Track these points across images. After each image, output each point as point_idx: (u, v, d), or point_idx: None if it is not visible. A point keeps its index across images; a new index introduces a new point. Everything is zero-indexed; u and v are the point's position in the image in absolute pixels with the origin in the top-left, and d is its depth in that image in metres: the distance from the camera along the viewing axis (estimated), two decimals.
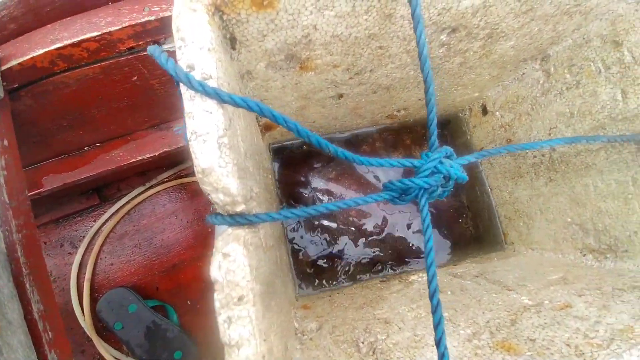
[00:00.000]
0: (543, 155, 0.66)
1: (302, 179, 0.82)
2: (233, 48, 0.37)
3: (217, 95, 0.27)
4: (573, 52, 0.56)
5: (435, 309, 0.31)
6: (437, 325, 0.30)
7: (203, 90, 0.27)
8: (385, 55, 0.49)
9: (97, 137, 0.90)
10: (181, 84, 0.28)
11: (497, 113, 0.76)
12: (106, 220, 1.04)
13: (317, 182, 0.83)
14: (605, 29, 0.50)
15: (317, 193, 0.82)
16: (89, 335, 0.91)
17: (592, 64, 0.54)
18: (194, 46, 0.29)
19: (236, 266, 0.27)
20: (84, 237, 1.02)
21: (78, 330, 0.92)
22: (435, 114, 0.37)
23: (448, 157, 0.38)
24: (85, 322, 0.92)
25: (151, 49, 0.31)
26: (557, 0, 0.45)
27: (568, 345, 0.37)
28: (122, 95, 0.76)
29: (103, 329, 0.92)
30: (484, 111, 0.80)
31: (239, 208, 0.30)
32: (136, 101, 0.79)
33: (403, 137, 0.87)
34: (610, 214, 0.55)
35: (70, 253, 1.02)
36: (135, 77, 0.72)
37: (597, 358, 0.33)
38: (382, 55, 0.48)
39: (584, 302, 0.45)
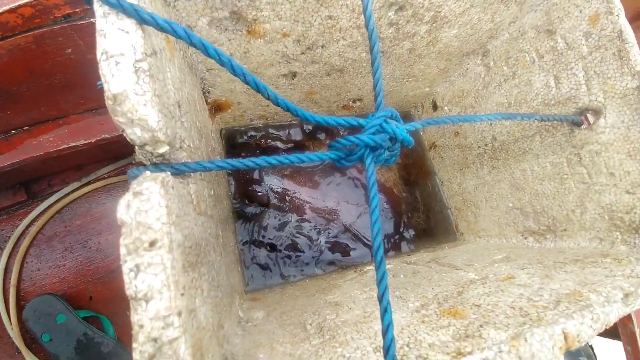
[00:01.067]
0: (486, 145, 0.69)
1: (256, 176, 0.79)
2: None
3: (135, 13, 0.24)
4: (510, 45, 0.61)
5: (379, 265, 0.29)
6: (380, 281, 0.28)
7: (119, 5, 0.23)
8: (336, 29, 0.49)
9: (25, 120, 0.80)
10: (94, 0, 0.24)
11: (446, 108, 0.79)
12: (34, 219, 0.92)
13: (271, 180, 0.80)
14: (539, 20, 0.54)
15: (272, 191, 0.79)
16: (18, 346, 0.79)
17: (526, 54, 0.58)
18: None
19: (149, 206, 0.23)
20: (9, 237, 0.89)
21: (7, 339, 0.81)
22: (381, 75, 0.37)
23: (393, 118, 0.38)
24: (13, 331, 0.79)
25: None
26: None
27: (512, 307, 0.37)
28: (54, 71, 0.69)
29: (32, 341, 0.80)
30: (434, 107, 0.83)
31: (162, 149, 0.27)
32: (70, 79, 0.72)
33: (360, 130, 0.88)
34: (547, 195, 0.59)
35: None
36: (70, 50, 0.65)
37: (544, 317, 0.33)
38: (333, 27, 0.48)
39: (527, 274, 0.46)
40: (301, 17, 0.44)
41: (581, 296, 0.37)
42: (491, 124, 0.67)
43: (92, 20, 0.63)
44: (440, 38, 0.58)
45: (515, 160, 0.64)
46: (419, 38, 0.56)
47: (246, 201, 0.78)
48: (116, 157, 0.97)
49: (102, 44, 0.24)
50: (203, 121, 0.50)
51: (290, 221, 0.78)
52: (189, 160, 0.32)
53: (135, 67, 0.24)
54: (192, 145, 0.34)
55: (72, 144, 0.80)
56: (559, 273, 0.44)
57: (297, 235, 0.77)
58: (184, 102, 0.36)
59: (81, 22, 0.62)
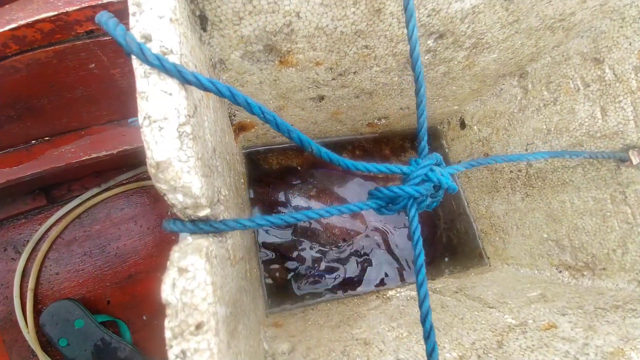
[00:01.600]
0: (520, 171, 0.66)
1: (281, 198, 0.77)
2: (203, 29, 0.33)
3: (178, 73, 0.22)
4: (551, 70, 0.57)
5: (428, 335, 0.27)
6: (431, 354, 0.26)
7: (161, 65, 0.22)
8: (371, 57, 0.46)
9: (47, 130, 0.80)
10: (133, 57, 0.23)
11: (475, 127, 0.76)
12: (53, 224, 0.92)
13: (298, 201, 0.78)
14: (586, 47, 0.51)
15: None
16: (34, 349, 0.80)
17: (570, 81, 0.54)
18: (152, 14, 0.24)
19: (195, 284, 0.21)
20: (28, 241, 0.90)
21: (23, 342, 0.81)
22: (426, 118, 0.34)
23: (437, 164, 0.35)
24: (29, 334, 0.80)
25: (99, 16, 0.25)
26: (542, 13, 0.45)
27: None
28: (76, 84, 0.68)
29: (48, 344, 0.81)
30: (462, 125, 0.80)
31: (203, 212, 0.25)
32: (93, 92, 0.71)
33: (382, 146, 0.85)
34: (588, 231, 0.55)
35: (13, 259, 0.90)
36: (93, 65, 0.65)
37: None
38: (368, 56, 0.46)
39: (569, 322, 0.43)
40: (336, 47, 0.42)
41: (624, 355, 0.34)
42: (526, 149, 0.64)
43: None
44: (477, 62, 0.55)
45: (552, 191, 0.61)
46: (456, 63, 0.53)
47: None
48: (135, 164, 0.97)
49: (145, 108, 0.22)
50: (229, 149, 0.49)
51: (315, 241, 0.76)
52: (226, 213, 0.30)
53: (179, 131, 0.22)
54: (227, 194, 0.32)
55: (93, 155, 0.80)
56: (602, 324, 0.41)
57: (320, 255, 0.76)
58: (218, 144, 0.34)
59: (104, 39, 0.61)
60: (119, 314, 0.92)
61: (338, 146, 0.81)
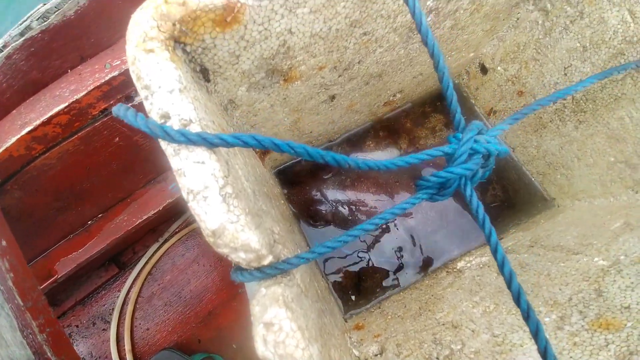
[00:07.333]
0: (564, 99, 0.60)
1: (316, 195, 0.77)
2: (207, 80, 0.33)
3: (204, 141, 0.22)
4: None
5: (528, 315, 0.25)
6: (536, 334, 0.25)
7: (186, 139, 0.22)
8: (372, 41, 0.44)
9: (97, 209, 0.87)
10: (160, 140, 0.23)
11: (499, 68, 0.70)
12: (130, 287, 1.00)
13: (334, 194, 0.77)
14: None
15: (337, 205, 0.77)
16: None
17: None
18: (162, 91, 0.24)
19: (284, 335, 0.22)
20: (113, 309, 0.99)
21: None
22: (453, 89, 0.32)
23: (479, 133, 0.33)
24: None
25: (116, 110, 0.26)
26: None
27: None
28: (109, 160, 0.73)
29: None
30: (483, 70, 0.74)
31: (267, 261, 0.25)
32: (125, 161, 0.75)
33: (402, 121, 0.82)
34: None
35: (104, 329, 0.99)
36: (117, 138, 0.68)
37: None
38: (369, 41, 0.43)
39: None
40: (335, 46, 0.40)
41: None
42: (565, 74, 0.58)
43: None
44: (486, 1, 0.50)
45: (607, 110, 0.54)
46: (462, 12, 0.49)
47: (311, 222, 0.77)
48: (180, 212, 1.02)
49: (185, 184, 0.23)
50: (263, 179, 0.50)
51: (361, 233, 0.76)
52: (285, 249, 0.30)
53: (222, 195, 0.23)
54: (279, 229, 0.32)
55: (144, 217, 0.85)
56: None
57: (372, 246, 0.75)
58: (254, 183, 0.35)
59: None
60: (212, 348, 0.98)
61: (359, 137, 0.80)
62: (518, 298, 0.26)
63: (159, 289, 1.03)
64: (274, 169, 0.77)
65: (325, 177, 0.77)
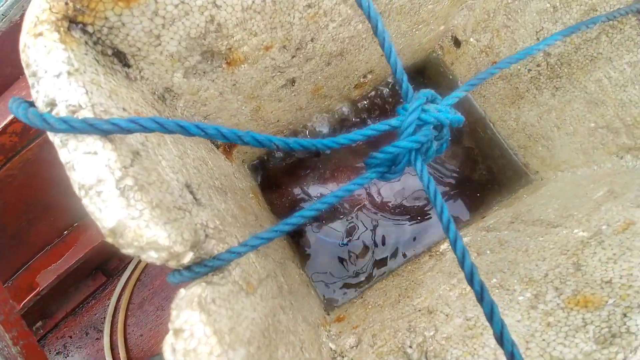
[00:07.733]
0: (539, 65, 0.57)
1: (299, 194, 0.75)
2: (127, 65, 0.30)
3: (92, 128, 0.20)
4: None
5: (481, 296, 0.23)
6: (491, 317, 0.22)
7: (69, 127, 0.19)
8: (320, 14, 0.41)
9: (72, 217, 0.84)
10: (47, 132, 0.20)
11: (472, 39, 0.66)
12: (120, 294, 0.98)
13: (315, 189, 0.75)
14: None
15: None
16: None
17: None
18: (48, 76, 0.21)
19: (196, 342, 0.19)
20: (104, 317, 0.97)
21: None
22: (397, 56, 0.29)
23: (431, 101, 0.30)
24: None
25: (10, 103, 0.23)
26: None
27: None
28: None
29: None
30: (456, 43, 0.71)
31: (187, 258, 0.23)
32: None
33: (380, 103, 0.79)
34: (635, 102, 0.46)
35: (97, 338, 0.98)
36: None
37: None
38: (316, 14, 0.40)
39: None
40: (277, 21, 0.37)
41: None
42: (537, 38, 0.55)
43: None
44: None
45: (583, 72, 0.51)
46: None
47: None
48: None
49: (75, 178, 0.20)
50: (221, 172, 0.47)
51: (348, 220, 0.73)
52: (221, 245, 0.28)
53: (120, 188, 0.20)
54: (218, 223, 0.30)
55: None
56: None
57: (360, 233, 0.73)
58: (192, 176, 0.32)
59: None
60: None
61: (340, 120, 0.76)
62: (471, 278, 0.23)
63: (149, 294, 1.00)
64: (248, 163, 0.74)
65: (304, 173, 0.74)
